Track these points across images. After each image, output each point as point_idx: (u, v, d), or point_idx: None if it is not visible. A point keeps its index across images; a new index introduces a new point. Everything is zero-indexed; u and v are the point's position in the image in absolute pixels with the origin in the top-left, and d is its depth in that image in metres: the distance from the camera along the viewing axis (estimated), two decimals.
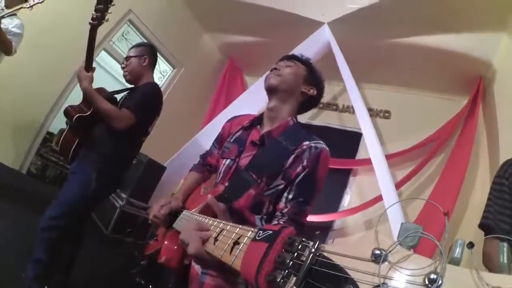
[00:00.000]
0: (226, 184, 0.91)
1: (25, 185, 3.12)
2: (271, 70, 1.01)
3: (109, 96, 1.67)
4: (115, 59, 3.93)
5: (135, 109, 1.57)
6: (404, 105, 4.16)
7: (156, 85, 1.78)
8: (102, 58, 4.11)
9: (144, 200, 3.25)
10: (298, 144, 0.88)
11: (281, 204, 0.84)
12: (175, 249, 0.85)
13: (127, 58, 1.78)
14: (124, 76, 1.78)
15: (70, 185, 1.55)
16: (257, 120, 1.02)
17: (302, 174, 0.84)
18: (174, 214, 0.93)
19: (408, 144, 3.79)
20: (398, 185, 3.65)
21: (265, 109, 1.02)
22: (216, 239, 0.57)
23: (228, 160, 0.98)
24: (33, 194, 3.04)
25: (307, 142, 0.88)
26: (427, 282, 0.28)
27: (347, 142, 4.20)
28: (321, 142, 0.90)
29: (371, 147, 3.32)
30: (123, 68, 1.78)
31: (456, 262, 0.30)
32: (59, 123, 3.28)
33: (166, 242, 0.90)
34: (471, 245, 0.32)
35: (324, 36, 3.62)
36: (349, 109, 4.34)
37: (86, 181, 1.53)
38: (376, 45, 3.69)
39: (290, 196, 0.84)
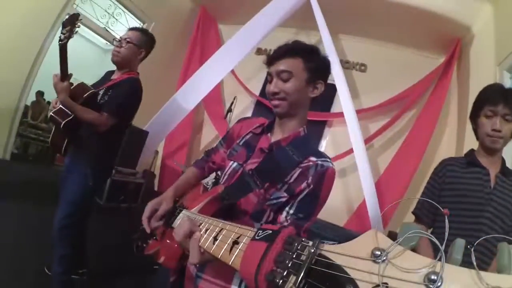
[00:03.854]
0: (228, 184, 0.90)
1: (14, 175, 3.16)
2: (271, 94, 0.91)
3: (91, 95, 1.64)
4: (81, 22, 3.62)
5: (114, 113, 1.63)
6: (380, 59, 4.18)
7: (137, 81, 1.76)
8: None
9: (132, 166, 3.34)
10: (304, 157, 0.86)
11: (282, 218, 0.84)
12: (174, 249, 0.83)
13: (127, 40, 1.70)
14: (114, 56, 1.71)
15: (71, 186, 1.63)
16: (268, 128, 0.99)
17: (306, 191, 0.83)
18: (173, 213, 0.92)
19: (382, 98, 3.90)
20: (371, 138, 3.86)
21: (276, 120, 0.97)
22: (215, 238, 0.56)
23: (235, 164, 0.95)
24: (24, 183, 3.11)
25: (314, 159, 0.85)
26: (427, 282, 0.28)
27: (323, 94, 4.27)
28: (328, 160, 0.87)
29: (343, 102, 3.42)
30: (116, 46, 1.71)
31: (456, 262, 0.31)
32: (30, 97, 3.18)
33: (165, 242, 0.89)
34: (471, 245, 0.33)
35: None
36: None
37: (83, 178, 1.63)
38: None
39: (292, 211, 0.83)
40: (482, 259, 1.10)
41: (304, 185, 0.83)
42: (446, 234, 0.38)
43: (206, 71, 3.69)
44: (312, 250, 0.38)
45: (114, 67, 1.80)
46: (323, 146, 4.28)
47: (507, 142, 1.23)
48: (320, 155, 0.88)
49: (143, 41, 1.76)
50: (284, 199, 0.85)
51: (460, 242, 0.32)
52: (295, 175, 0.85)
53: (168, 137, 4.38)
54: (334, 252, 0.37)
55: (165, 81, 4.45)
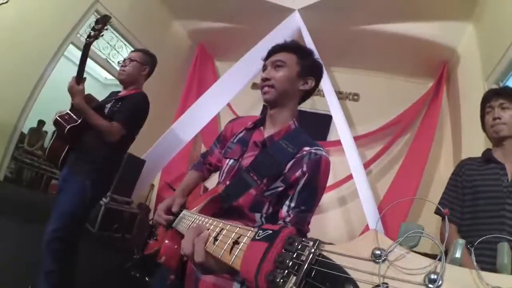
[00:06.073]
0: (227, 183, 0.90)
1: (5, 194, 3.07)
2: (262, 81, 0.96)
3: (98, 106, 1.68)
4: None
5: (126, 123, 1.62)
6: (372, 88, 4.33)
7: (145, 96, 1.80)
8: (70, 51, 3.82)
9: (127, 195, 3.27)
10: (299, 148, 0.88)
11: (284, 212, 0.83)
12: (174, 249, 0.84)
13: (131, 59, 1.80)
14: (120, 75, 1.80)
15: (67, 196, 1.56)
16: (260, 122, 1.02)
17: (303, 180, 0.84)
18: (173, 214, 0.93)
19: (376, 125, 3.97)
20: (367, 164, 3.87)
21: (267, 112, 1.01)
22: (215, 239, 0.56)
23: (231, 160, 0.97)
24: (16, 203, 3.02)
25: (307, 148, 0.88)
26: (427, 282, 0.28)
27: (318, 124, 4.33)
28: (321, 148, 0.89)
29: (340, 129, 3.47)
30: (122, 67, 1.80)
31: (456, 262, 0.31)
32: (28, 123, 3.18)
33: (165, 242, 0.89)
34: (471, 245, 0.35)
35: (295, 22, 3.62)
36: (320, 92, 4.43)
37: (82, 190, 1.56)
38: (345, 30, 3.77)
39: (292, 204, 0.83)
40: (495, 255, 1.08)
41: (299, 173, 0.84)
42: (447, 234, 0.38)
43: (203, 104, 3.78)
44: (312, 250, 0.38)
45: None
46: None
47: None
48: (313, 144, 0.90)
49: (146, 59, 1.85)
50: (280, 189, 0.86)
51: (460, 242, 0.32)
52: (290, 165, 0.87)
53: (165, 170, 4.36)
54: (335, 252, 0.37)
55: (163, 115, 4.51)
